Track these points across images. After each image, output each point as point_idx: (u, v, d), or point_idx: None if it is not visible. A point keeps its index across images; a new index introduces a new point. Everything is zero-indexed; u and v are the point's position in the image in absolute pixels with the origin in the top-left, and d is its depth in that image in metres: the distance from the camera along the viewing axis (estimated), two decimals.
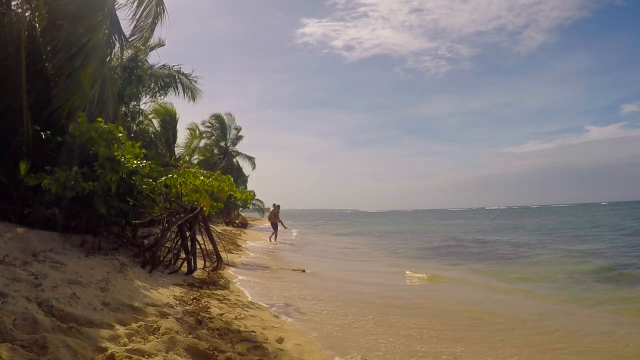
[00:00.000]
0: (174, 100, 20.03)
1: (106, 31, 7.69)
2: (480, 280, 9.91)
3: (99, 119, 7.37)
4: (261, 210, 41.77)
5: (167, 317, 4.26)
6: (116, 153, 7.25)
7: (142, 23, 9.30)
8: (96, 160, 7.03)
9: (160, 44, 15.42)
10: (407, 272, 10.67)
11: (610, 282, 9.29)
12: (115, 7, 8.49)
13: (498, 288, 8.93)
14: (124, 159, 7.38)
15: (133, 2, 8.77)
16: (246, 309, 5.68)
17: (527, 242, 19.29)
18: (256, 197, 37.71)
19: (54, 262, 5.00)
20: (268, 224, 23.74)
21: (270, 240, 19.42)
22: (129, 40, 9.25)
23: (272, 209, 21.82)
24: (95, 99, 7.64)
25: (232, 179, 9.01)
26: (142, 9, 9.01)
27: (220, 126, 34.53)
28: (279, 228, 20.60)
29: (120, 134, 7.52)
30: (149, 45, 14.92)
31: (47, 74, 7.50)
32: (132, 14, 8.90)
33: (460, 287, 9.04)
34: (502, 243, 19.39)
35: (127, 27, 9.18)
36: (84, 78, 7.16)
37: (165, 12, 9.23)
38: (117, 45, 8.52)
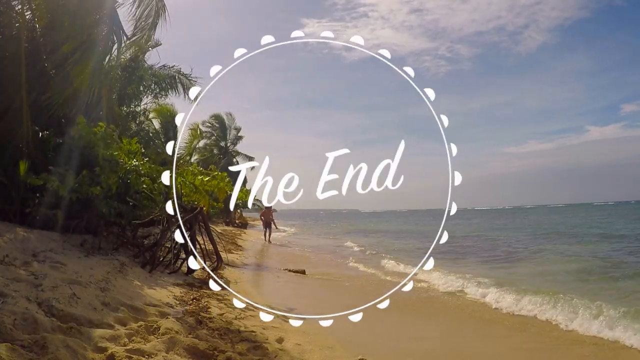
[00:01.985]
0: (175, 100, 20.01)
1: (105, 29, 7.67)
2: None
3: (100, 123, 7.35)
4: (261, 210, 41.62)
5: (167, 317, 4.27)
6: (116, 153, 7.24)
7: (142, 23, 9.28)
8: (95, 162, 7.02)
9: (157, 44, 15.38)
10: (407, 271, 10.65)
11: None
12: (116, 6, 8.48)
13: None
14: (122, 159, 7.37)
15: (133, 2, 8.76)
16: (246, 309, 5.67)
17: (510, 242, 19.89)
18: (256, 197, 37.59)
19: (54, 262, 5.00)
20: None
21: (267, 240, 19.25)
22: (130, 39, 9.23)
23: (264, 207, 21.22)
24: (92, 99, 7.61)
25: (226, 174, 8.96)
26: (142, 8, 9.00)
27: (220, 126, 34.52)
28: (272, 228, 20.14)
29: (114, 133, 7.49)
30: (147, 46, 14.90)
31: (47, 74, 7.48)
32: (132, 14, 8.91)
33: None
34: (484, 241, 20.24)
35: (127, 27, 9.19)
36: (81, 72, 7.13)
37: (167, 11, 9.22)
38: (117, 43, 8.48)
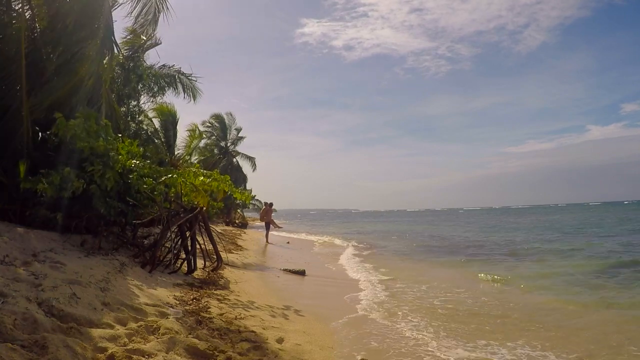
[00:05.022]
0: (174, 100, 20.04)
1: (100, 40, 7.65)
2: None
3: (77, 114, 7.00)
4: (262, 209, 41.59)
5: (167, 317, 4.27)
6: (107, 146, 7.00)
7: (142, 19, 9.29)
8: (84, 157, 6.88)
9: (157, 43, 15.39)
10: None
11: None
12: (114, 3, 8.48)
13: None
14: (114, 152, 7.16)
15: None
16: (246, 309, 5.68)
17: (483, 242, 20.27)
18: (256, 197, 37.68)
19: (54, 262, 5.00)
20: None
21: (267, 241, 19.19)
22: (130, 34, 9.23)
23: (264, 207, 21.25)
24: (90, 99, 7.57)
25: (229, 178, 8.99)
26: (142, 4, 9.01)
27: (221, 126, 34.55)
28: (271, 228, 20.01)
29: (108, 126, 7.36)
30: (146, 45, 14.91)
31: (47, 75, 7.48)
32: (131, 10, 8.93)
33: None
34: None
35: (126, 23, 9.22)
36: (77, 73, 7.10)
37: (167, 7, 9.21)
38: (113, 50, 8.46)
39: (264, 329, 4.75)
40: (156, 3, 9.09)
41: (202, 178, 8.37)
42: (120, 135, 8.15)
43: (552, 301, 7.55)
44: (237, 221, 32.77)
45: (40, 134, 7.55)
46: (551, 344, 5.13)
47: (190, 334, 3.90)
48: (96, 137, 6.97)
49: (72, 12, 7.22)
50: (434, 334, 5.41)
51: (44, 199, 6.52)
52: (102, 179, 6.82)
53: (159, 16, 9.22)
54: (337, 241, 22.06)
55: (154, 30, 9.63)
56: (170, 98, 18.86)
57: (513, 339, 5.33)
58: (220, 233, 13.35)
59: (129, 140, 8.09)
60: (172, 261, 7.34)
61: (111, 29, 8.02)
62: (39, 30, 7.57)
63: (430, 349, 4.82)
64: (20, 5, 7.39)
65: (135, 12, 9.02)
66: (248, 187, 36.95)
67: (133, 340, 3.46)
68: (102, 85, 7.90)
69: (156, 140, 19.48)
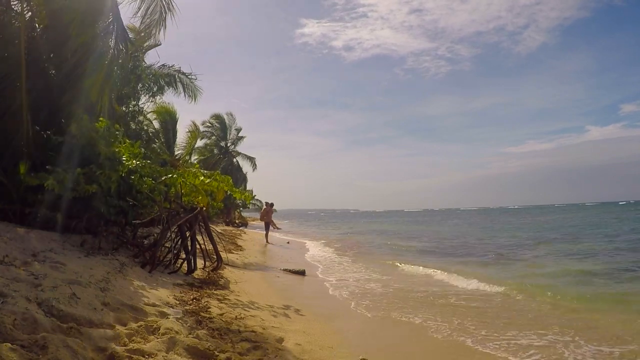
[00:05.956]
0: (174, 100, 20.09)
1: (112, 39, 7.65)
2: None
3: (101, 118, 7.33)
4: (262, 210, 41.56)
5: (167, 317, 4.27)
6: (117, 150, 7.18)
7: (148, 20, 9.24)
8: (96, 160, 6.96)
9: (156, 44, 15.40)
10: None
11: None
12: (119, 2, 8.48)
13: None
14: (124, 157, 7.33)
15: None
16: (246, 309, 5.68)
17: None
18: (256, 197, 37.71)
19: (54, 262, 5.00)
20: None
21: (267, 241, 19.16)
22: (136, 37, 9.18)
23: (265, 207, 21.22)
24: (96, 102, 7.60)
25: (231, 179, 8.99)
26: (146, 4, 8.96)
27: (221, 126, 34.57)
28: (270, 228, 19.95)
29: (117, 132, 7.46)
30: (146, 46, 14.91)
31: (48, 74, 7.48)
32: (137, 10, 8.90)
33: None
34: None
35: (131, 23, 9.18)
36: (92, 85, 7.15)
37: (173, 7, 9.16)
38: (122, 49, 8.44)
39: (264, 328, 4.75)
40: (162, 3, 9.04)
41: (202, 178, 8.37)
42: (128, 141, 8.21)
43: (559, 300, 7.55)
44: (237, 221, 32.76)
45: (41, 133, 7.55)
46: (582, 334, 5.31)
47: (190, 333, 3.89)
48: (108, 141, 7.10)
49: (75, 11, 7.21)
50: (435, 332, 5.41)
51: (45, 196, 6.52)
52: (107, 181, 6.86)
53: (165, 17, 9.17)
54: (327, 242, 21.79)
55: (161, 31, 9.51)
56: (170, 98, 18.95)
57: (543, 329, 5.53)
58: (220, 233, 13.35)
59: (130, 142, 8.12)
60: (172, 261, 7.33)
61: (122, 26, 8.01)
62: (39, 30, 7.56)
63: (432, 344, 4.83)
64: (20, 5, 7.39)
65: (140, 12, 8.99)
66: (248, 187, 37.01)
67: (133, 340, 3.46)
68: (108, 88, 7.91)
69: (156, 141, 19.49)
